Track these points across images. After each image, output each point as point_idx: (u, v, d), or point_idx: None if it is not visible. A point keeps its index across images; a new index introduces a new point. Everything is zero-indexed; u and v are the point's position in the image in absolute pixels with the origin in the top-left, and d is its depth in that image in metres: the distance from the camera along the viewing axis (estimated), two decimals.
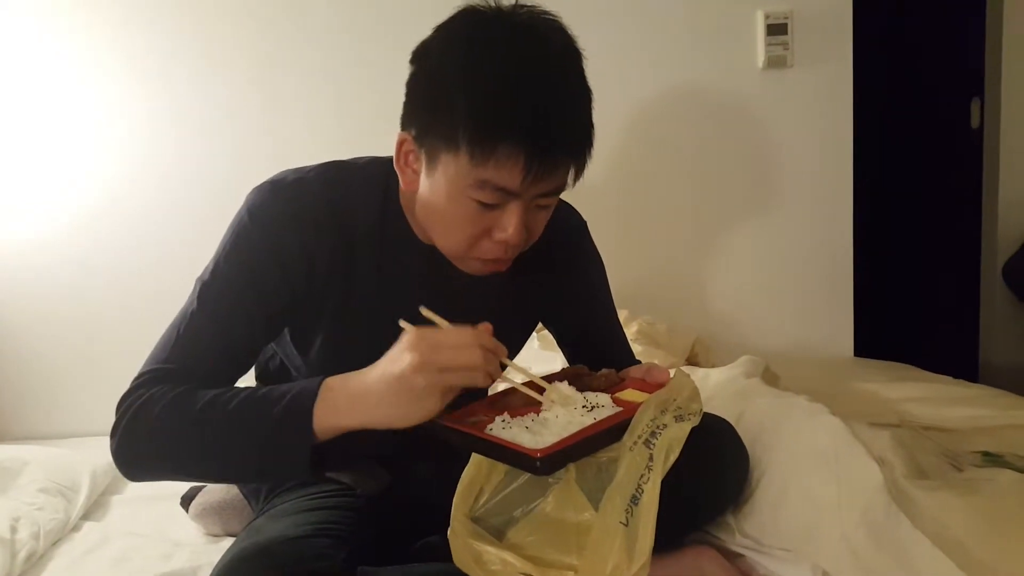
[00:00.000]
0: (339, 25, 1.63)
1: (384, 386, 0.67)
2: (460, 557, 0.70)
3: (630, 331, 1.56)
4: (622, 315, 1.12)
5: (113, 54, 1.59)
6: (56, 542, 1.13)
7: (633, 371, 0.85)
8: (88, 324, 1.64)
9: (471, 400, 0.78)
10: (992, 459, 1.03)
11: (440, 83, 0.74)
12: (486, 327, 0.70)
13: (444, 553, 0.72)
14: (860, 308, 1.89)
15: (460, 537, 0.70)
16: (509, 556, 0.68)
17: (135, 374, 0.76)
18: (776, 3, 1.72)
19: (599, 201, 1.22)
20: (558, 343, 1.09)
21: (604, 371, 0.84)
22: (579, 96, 0.76)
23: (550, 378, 0.80)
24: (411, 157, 0.80)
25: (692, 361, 1.64)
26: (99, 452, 0.74)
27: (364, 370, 0.70)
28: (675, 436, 0.71)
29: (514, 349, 1.03)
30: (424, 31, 0.78)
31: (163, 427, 0.71)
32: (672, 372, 0.81)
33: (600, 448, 0.71)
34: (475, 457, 0.73)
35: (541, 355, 1.49)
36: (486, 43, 0.73)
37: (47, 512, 1.15)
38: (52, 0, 1.57)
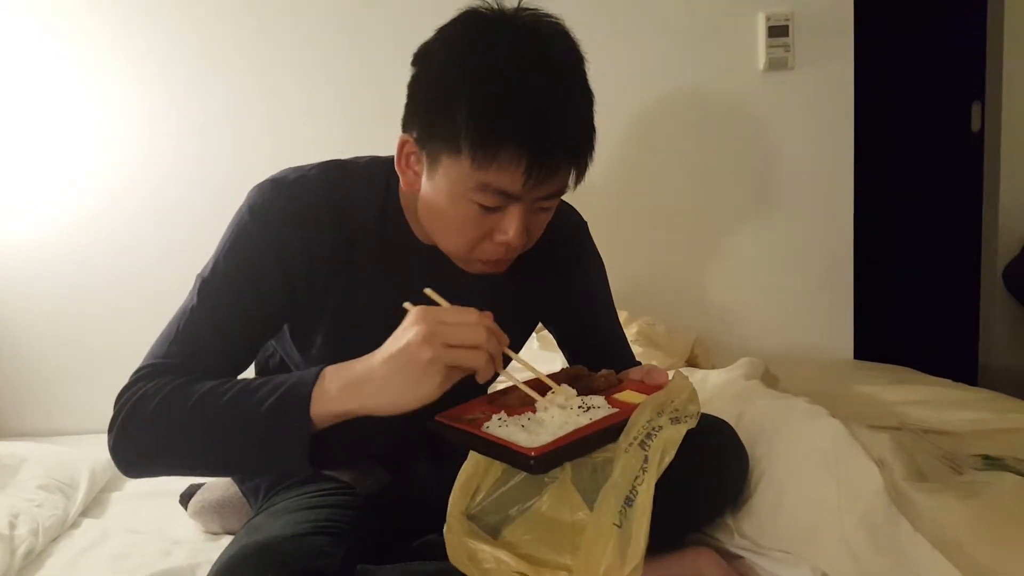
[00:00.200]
0: (340, 26, 1.63)
1: (388, 365, 0.67)
2: (455, 555, 0.70)
3: (630, 332, 1.56)
4: (622, 316, 1.12)
5: (113, 54, 1.60)
6: (55, 539, 1.13)
7: (632, 372, 0.85)
8: (88, 322, 1.65)
9: (469, 397, 0.78)
10: (992, 462, 1.03)
11: (442, 86, 0.74)
12: (488, 314, 0.70)
13: (442, 552, 0.72)
14: (860, 310, 1.90)
15: (456, 535, 0.71)
16: (504, 555, 0.68)
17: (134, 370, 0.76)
18: (777, 5, 1.72)
19: (600, 202, 1.22)
20: (558, 343, 1.09)
21: (603, 372, 0.84)
22: (581, 100, 0.76)
23: (549, 379, 0.80)
24: (412, 159, 0.80)
25: (692, 362, 1.64)
26: (98, 449, 0.74)
27: (367, 356, 0.70)
28: (670, 438, 0.71)
29: (514, 348, 1.03)
30: (426, 32, 0.78)
31: (160, 419, 0.70)
32: (671, 374, 0.81)
33: (595, 449, 0.71)
34: (472, 455, 0.73)
35: (541, 355, 1.49)
36: (488, 46, 0.73)
37: (46, 509, 1.15)
38: (52, 0, 1.57)
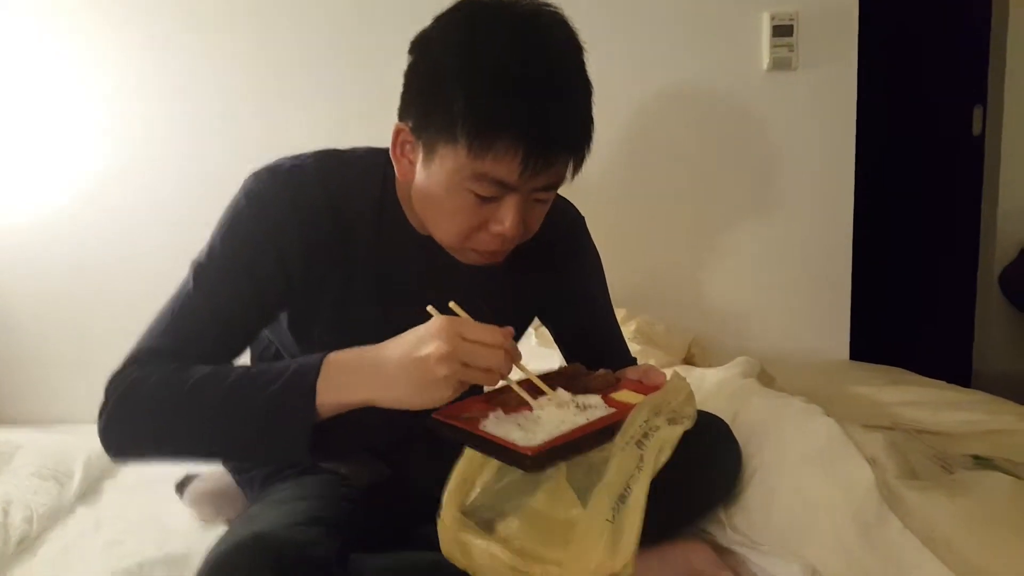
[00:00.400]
0: (337, 14, 1.63)
1: (402, 367, 0.67)
2: (448, 548, 0.71)
3: (628, 330, 1.56)
4: (620, 314, 1.13)
5: (110, 41, 1.59)
6: (49, 526, 1.13)
7: (630, 372, 0.85)
8: (85, 310, 1.64)
9: (467, 395, 0.78)
10: (982, 462, 1.04)
11: (439, 74, 0.74)
12: (508, 331, 0.70)
13: (436, 543, 0.72)
14: (857, 311, 1.90)
15: (449, 529, 0.71)
16: (496, 549, 0.69)
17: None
18: (782, 4, 1.72)
19: (598, 198, 1.22)
20: (555, 339, 1.09)
21: (600, 371, 0.84)
22: (580, 91, 0.76)
23: (547, 378, 0.80)
24: (408, 148, 0.80)
25: (689, 361, 1.65)
26: (93, 438, 0.73)
27: (379, 346, 0.70)
28: (667, 438, 0.71)
29: None
30: (424, 20, 0.78)
31: (154, 404, 0.70)
32: (668, 374, 0.82)
33: (591, 448, 0.71)
34: (468, 452, 0.73)
35: (539, 352, 1.49)
36: (487, 34, 0.73)
37: (40, 496, 1.16)
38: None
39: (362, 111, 1.46)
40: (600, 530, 0.66)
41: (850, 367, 1.78)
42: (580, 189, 0.96)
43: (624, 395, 0.79)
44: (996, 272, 2.24)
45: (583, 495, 0.70)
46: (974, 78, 2.27)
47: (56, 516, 1.16)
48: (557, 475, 0.73)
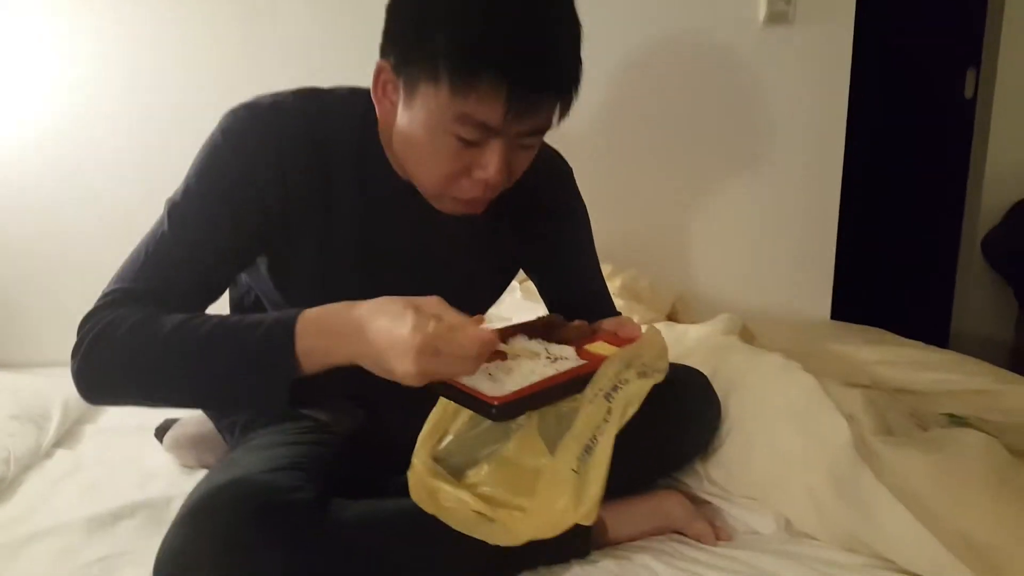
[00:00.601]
0: None
1: (373, 349, 0.65)
2: (416, 493, 0.72)
3: (613, 285, 1.56)
4: (606, 269, 1.12)
5: None
6: (27, 468, 1.13)
7: (605, 323, 0.84)
8: (60, 252, 1.61)
9: None
10: (957, 421, 1.06)
11: (422, 9, 0.71)
12: (493, 339, 0.66)
13: None
14: (840, 272, 1.91)
15: (419, 475, 0.72)
16: (464, 494, 0.70)
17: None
18: None
19: (586, 152, 1.20)
20: (539, 292, 1.08)
21: (576, 322, 0.84)
22: (568, 30, 0.73)
23: (523, 328, 0.80)
24: (389, 87, 0.77)
25: (672, 317, 1.65)
26: (70, 382, 0.72)
27: (351, 308, 0.67)
28: (635, 392, 0.71)
29: (494, 293, 1.03)
30: None
31: (126, 351, 0.69)
32: (644, 328, 0.81)
33: (559, 399, 0.71)
34: (441, 400, 0.74)
35: (523, 304, 1.49)
36: None
37: (18, 439, 1.15)
38: None
39: (348, 47, 1.41)
40: (565, 479, 0.67)
41: (830, 326, 1.80)
42: (567, 140, 0.94)
43: (598, 347, 0.79)
44: (979, 236, 2.25)
45: (552, 445, 0.70)
46: (969, 41, 2.25)
47: (34, 459, 1.15)
48: (528, 424, 0.73)
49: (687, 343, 1.31)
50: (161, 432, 1.18)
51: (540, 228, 0.97)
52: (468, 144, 0.73)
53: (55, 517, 0.96)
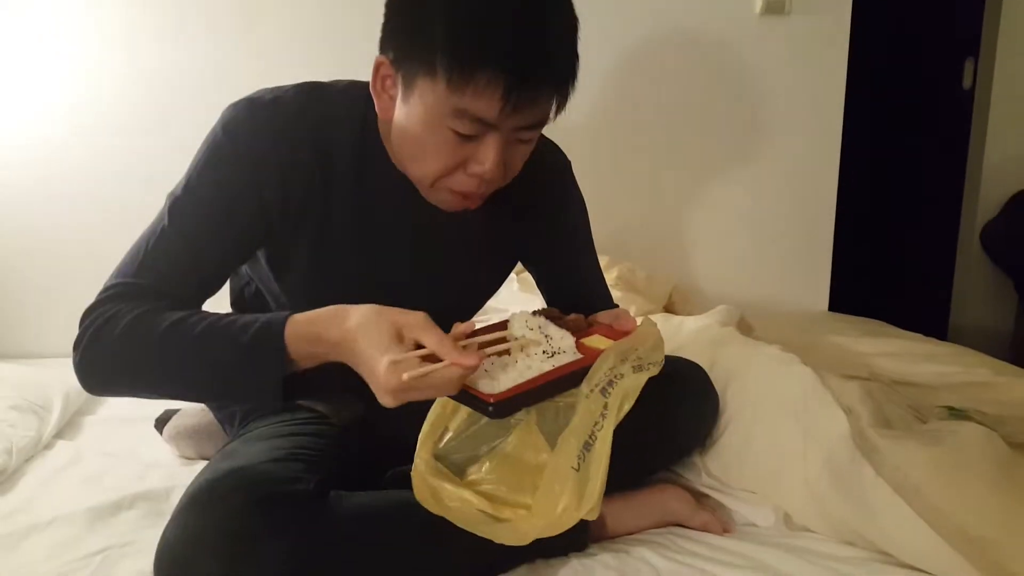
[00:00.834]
0: None
1: (357, 368, 0.67)
2: (420, 494, 0.72)
3: (610, 277, 1.56)
4: (603, 261, 1.12)
5: None
6: (29, 459, 1.13)
7: (601, 316, 0.84)
8: (62, 243, 1.61)
9: None
10: (956, 413, 1.06)
11: (420, 4, 0.71)
12: (473, 364, 0.64)
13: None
14: (837, 263, 1.91)
15: (421, 475, 0.72)
16: (467, 494, 0.70)
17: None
18: None
19: (583, 144, 1.20)
20: (537, 285, 1.08)
21: (572, 316, 0.84)
22: (564, 25, 0.73)
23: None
24: (388, 82, 0.77)
25: (669, 309, 1.65)
26: (71, 372, 0.73)
27: (341, 330, 0.67)
28: (631, 386, 0.72)
29: (493, 285, 1.03)
30: None
31: (125, 347, 0.70)
32: (639, 320, 0.81)
33: (556, 395, 0.71)
34: (439, 398, 0.74)
35: (521, 297, 1.49)
36: None
37: (19, 429, 1.15)
38: None
39: (351, 42, 1.40)
40: (565, 477, 0.67)
41: (829, 318, 1.81)
42: (564, 132, 0.94)
43: (594, 340, 0.79)
44: (978, 227, 2.25)
45: (552, 440, 0.71)
46: (967, 31, 2.24)
47: (35, 450, 1.16)
48: (528, 420, 0.74)
49: (684, 335, 1.31)
50: (161, 423, 1.18)
51: (539, 221, 0.97)
52: (465, 138, 0.73)
53: (56, 508, 0.96)
